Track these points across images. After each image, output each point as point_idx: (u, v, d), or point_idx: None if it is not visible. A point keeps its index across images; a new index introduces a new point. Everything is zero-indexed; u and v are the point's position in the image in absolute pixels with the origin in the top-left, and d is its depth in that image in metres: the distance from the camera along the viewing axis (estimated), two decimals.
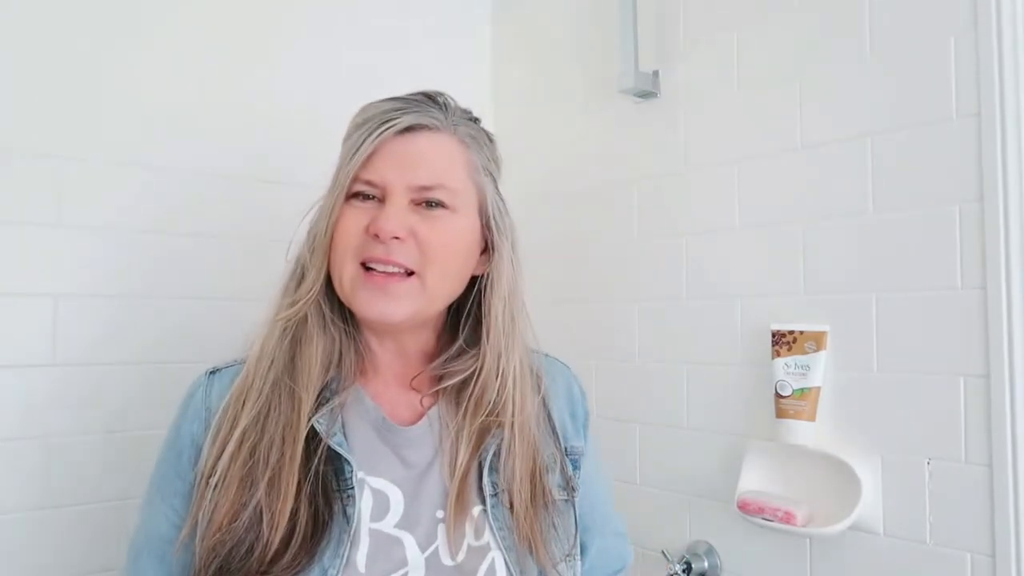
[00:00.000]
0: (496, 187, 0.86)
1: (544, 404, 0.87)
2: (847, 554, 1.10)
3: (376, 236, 0.77)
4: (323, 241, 0.79)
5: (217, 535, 0.73)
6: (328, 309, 0.82)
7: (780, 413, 1.14)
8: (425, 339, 0.87)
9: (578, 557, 0.84)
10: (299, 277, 0.82)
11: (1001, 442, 0.96)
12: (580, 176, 1.52)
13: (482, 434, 0.80)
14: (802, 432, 1.11)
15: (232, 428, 0.77)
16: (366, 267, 0.78)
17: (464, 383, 0.83)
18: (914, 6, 1.05)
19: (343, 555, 0.73)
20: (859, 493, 1.06)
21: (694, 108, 1.33)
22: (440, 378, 0.84)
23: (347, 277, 0.79)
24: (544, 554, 0.78)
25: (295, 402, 0.77)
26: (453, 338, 0.87)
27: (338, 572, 0.72)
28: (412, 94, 0.83)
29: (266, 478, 0.74)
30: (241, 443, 0.76)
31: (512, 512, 0.79)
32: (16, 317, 1.13)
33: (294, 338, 0.81)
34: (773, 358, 1.16)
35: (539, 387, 0.86)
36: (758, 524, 1.14)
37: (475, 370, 0.82)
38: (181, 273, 1.28)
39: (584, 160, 1.51)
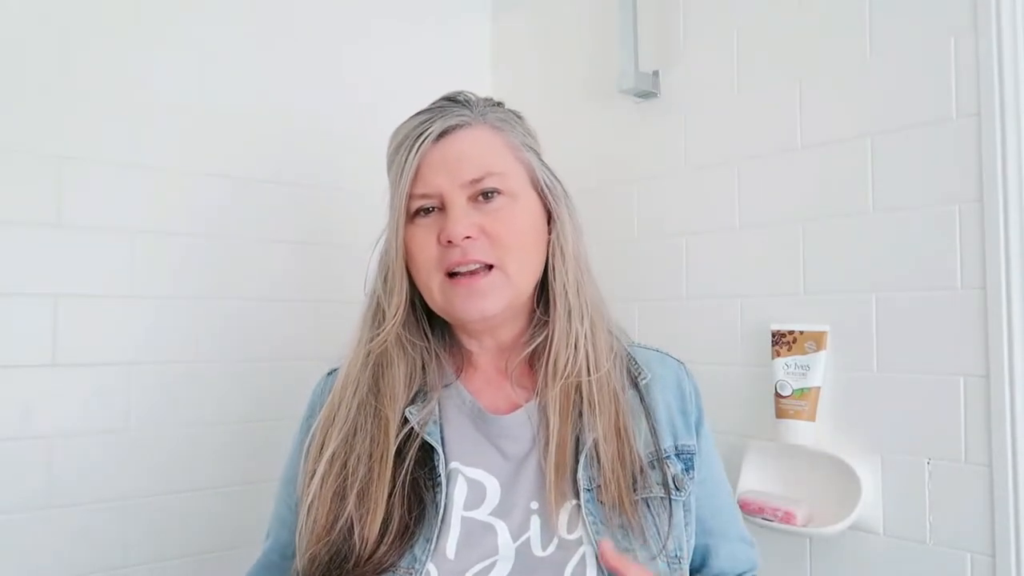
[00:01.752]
0: (540, 159, 0.88)
1: (642, 397, 0.86)
2: (847, 554, 1.10)
3: (449, 242, 0.79)
4: (398, 266, 0.82)
5: (315, 546, 0.77)
6: (406, 332, 0.85)
7: (780, 413, 1.14)
8: (519, 328, 0.88)
9: (684, 561, 0.82)
10: (375, 308, 0.85)
11: (1001, 442, 0.96)
12: (580, 176, 1.50)
13: (566, 401, 0.81)
14: (802, 432, 1.11)
15: (321, 450, 0.81)
16: (450, 275, 0.81)
17: (542, 352, 0.84)
18: (914, 6, 1.05)
19: (432, 541, 0.75)
20: (859, 493, 1.06)
21: (694, 108, 1.33)
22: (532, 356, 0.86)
23: (436, 289, 0.81)
24: (631, 511, 0.77)
25: (381, 421, 0.81)
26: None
27: (428, 558, 0.74)
28: (434, 102, 0.86)
29: (355, 491, 0.77)
30: (331, 463, 0.80)
31: (605, 493, 0.78)
32: (16, 317, 1.13)
33: (376, 363, 0.84)
34: (773, 358, 1.16)
35: (613, 350, 0.86)
36: (758, 524, 1.14)
37: (547, 335, 0.84)
38: (181, 273, 1.28)
39: (584, 160, 1.51)
